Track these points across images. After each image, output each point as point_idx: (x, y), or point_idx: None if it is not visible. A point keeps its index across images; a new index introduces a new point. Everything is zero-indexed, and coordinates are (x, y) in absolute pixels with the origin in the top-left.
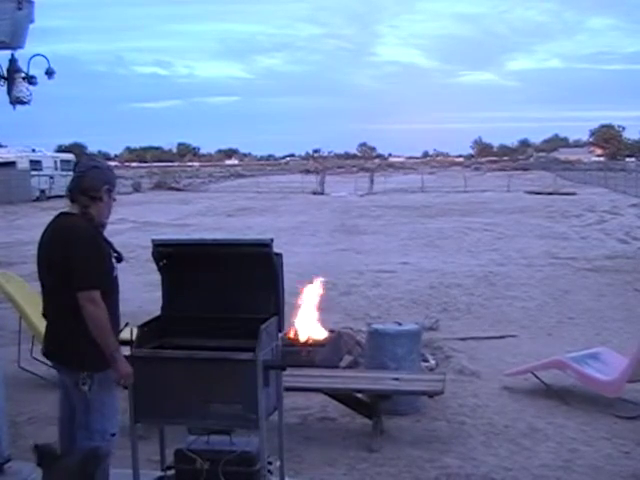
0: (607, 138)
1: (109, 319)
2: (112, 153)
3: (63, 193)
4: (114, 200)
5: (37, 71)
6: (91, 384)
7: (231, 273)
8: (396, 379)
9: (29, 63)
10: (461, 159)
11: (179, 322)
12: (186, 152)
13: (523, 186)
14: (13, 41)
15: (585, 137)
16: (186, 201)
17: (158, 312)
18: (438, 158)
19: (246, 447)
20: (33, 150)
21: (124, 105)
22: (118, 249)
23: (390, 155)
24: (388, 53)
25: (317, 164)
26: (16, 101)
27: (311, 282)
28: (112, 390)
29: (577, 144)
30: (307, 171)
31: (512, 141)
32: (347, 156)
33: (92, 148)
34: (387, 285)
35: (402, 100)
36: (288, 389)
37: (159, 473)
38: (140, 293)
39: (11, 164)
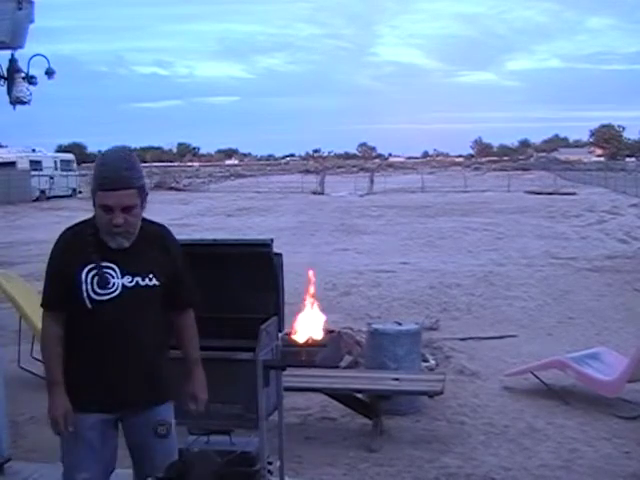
0: (607, 138)
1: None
2: None
3: (63, 193)
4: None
5: (37, 71)
6: None
7: (231, 273)
8: (396, 379)
9: (29, 63)
10: (461, 159)
11: None
12: (186, 152)
13: (523, 186)
14: (13, 41)
15: (585, 137)
16: (186, 201)
17: None
18: (438, 158)
19: (246, 447)
20: (33, 150)
21: (124, 105)
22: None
23: (390, 155)
24: (388, 53)
25: (317, 164)
26: (16, 101)
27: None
28: (72, 434)
29: (577, 144)
30: (307, 171)
31: (512, 141)
32: (347, 156)
33: (92, 148)
34: (387, 285)
35: (402, 100)
36: (288, 389)
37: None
38: None
39: (11, 164)
